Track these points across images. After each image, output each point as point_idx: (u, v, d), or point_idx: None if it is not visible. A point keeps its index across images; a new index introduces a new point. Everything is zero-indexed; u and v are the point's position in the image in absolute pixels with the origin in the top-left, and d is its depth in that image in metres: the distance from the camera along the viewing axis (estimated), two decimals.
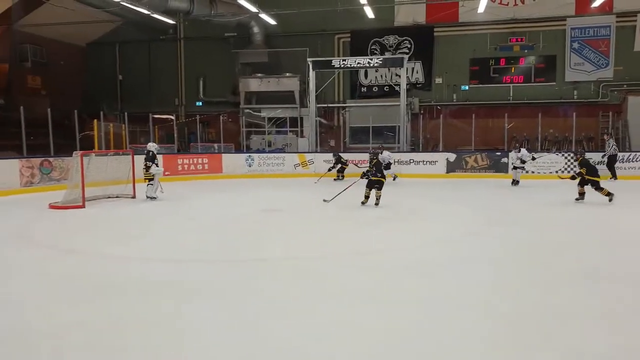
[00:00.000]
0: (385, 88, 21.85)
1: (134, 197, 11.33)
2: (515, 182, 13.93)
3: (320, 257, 5.98)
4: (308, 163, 17.67)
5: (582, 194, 10.15)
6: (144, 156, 11.19)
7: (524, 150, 14.36)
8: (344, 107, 21.72)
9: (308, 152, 18.18)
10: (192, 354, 3.30)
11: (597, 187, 9.90)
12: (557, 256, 5.91)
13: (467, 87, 21.11)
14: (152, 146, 11.34)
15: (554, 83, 20.28)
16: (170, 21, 20.30)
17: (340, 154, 16.67)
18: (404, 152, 17.90)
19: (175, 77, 23.86)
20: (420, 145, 19.37)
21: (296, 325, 3.78)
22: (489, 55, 20.76)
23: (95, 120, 15.32)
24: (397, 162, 16.99)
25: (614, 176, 14.83)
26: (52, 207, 9.98)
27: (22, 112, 13.26)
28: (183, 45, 23.72)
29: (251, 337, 3.55)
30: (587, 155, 11.58)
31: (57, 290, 4.70)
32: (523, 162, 13.92)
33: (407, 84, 19.30)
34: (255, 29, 21.51)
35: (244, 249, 6.50)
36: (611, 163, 15.06)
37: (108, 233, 7.65)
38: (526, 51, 20.47)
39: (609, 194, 9.79)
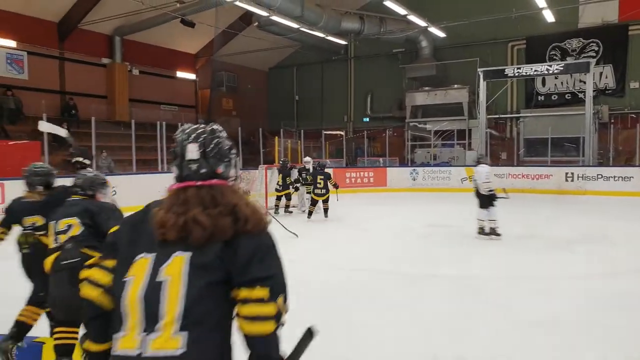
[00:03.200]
0: (566, 96, 19.92)
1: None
2: None
3: (497, 277, 5.74)
4: None
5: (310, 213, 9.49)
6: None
7: None
8: (517, 118, 20.38)
9: None
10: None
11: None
12: None
13: None
14: (305, 160, 12.04)
15: None
16: (342, 42, 21.49)
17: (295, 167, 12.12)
18: (590, 166, 16.05)
19: (344, 95, 25.10)
20: (610, 158, 17.17)
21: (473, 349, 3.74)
22: None
23: (276, 137, 16.98)
24: (582, 177, 15.35)
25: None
26: None
27: None
28: (353, 63, 24.88)
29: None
30: None
31: None
32: None
33: (593, 91, 17.31)
34: (424, 43, 21.54)
35: (413, 263, 6.58)
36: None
37: (288, 240, 8.40)
38: None
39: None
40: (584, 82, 17.71)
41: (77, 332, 2.89)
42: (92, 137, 12.09)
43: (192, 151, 1.45)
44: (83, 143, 14.43)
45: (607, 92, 19.24)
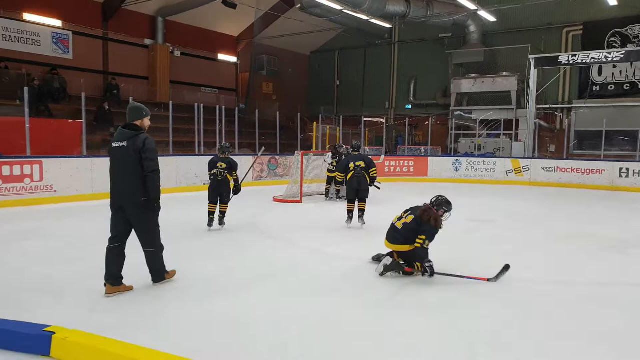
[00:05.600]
0: (625, 86, 18.66)
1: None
2: None
3: (547, 282, 5.25)
4: (522, 170, 16.16)
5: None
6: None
7: None
8: (569, 109, 19.27)
9: (523, 158, 16.63)
10: None
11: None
12: None
13: None
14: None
15: None
16: (387, 25, 20.79)
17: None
18: None
19: (387, 81, 24.47)
20: None
21: None
22: None
23: (314, 123, 16.66)
24: (639, 173, 14.34)
25: None
26: (275, 200, 11.15)
27: (257, 115, 15.18)
28: (397, 48, 24.15)
29: None
30: None
31: (278, 279, 5.12)
32: None
33: None
34: (472, 28, 20.64)
35: (455, 262, 6.11)
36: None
37: (320, 229, 8.11)
38: None
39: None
40: None
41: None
42: None
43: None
44: (123, 123, 14.61)
45: None
